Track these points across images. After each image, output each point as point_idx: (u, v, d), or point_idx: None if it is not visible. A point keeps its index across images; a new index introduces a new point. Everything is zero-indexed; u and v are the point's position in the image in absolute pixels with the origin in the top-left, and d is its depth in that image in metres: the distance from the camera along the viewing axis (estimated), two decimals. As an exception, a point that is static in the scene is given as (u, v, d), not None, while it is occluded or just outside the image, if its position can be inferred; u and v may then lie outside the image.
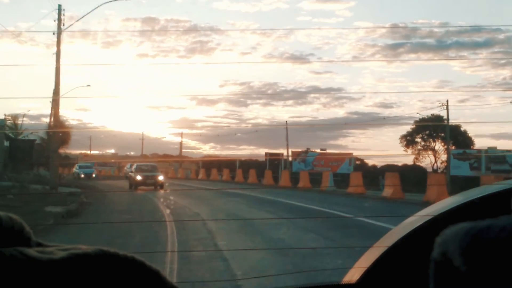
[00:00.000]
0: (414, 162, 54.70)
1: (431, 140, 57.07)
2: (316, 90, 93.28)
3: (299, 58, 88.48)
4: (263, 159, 54.04)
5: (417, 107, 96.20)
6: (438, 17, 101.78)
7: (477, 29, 64.92)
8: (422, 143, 57.21)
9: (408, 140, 57.25)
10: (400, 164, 50.32)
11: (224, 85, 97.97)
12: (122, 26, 75.67)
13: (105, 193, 21.20)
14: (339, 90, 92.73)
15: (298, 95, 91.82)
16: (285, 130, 54.06)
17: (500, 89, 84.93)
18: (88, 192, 19.74)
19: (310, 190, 32.46)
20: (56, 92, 21.07)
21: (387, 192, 24.50)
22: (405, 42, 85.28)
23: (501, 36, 74.31)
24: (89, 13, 29.89)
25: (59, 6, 23.61)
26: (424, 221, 1.47)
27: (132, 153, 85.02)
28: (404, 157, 64.56)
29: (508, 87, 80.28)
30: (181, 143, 75.07)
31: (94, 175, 51.28)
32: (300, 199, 21.66)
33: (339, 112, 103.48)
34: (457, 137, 53.16)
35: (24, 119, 39.40)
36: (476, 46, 76.85)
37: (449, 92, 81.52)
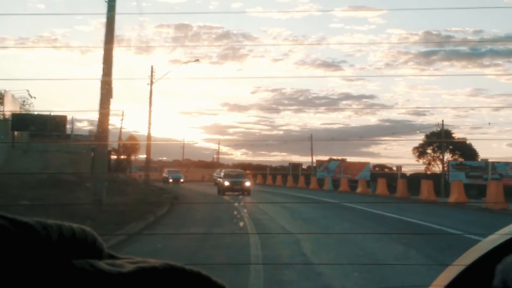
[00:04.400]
0: (425, 171, 62.10)
1: (439, 152, 64.26)
2: (348, 97, 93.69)
3: (331, 65, 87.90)
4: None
5: (451, 115, 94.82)
6: (472, 25, 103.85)
7: None
8: (432, 154, 64.47)
9: (420, 151, 64.69)
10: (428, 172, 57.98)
11: (256, 92, 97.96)
12: (155, 32, 76.63)
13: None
14: (371, 97, 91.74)
15: (330, 102, 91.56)
16: (316, 137, 62.28)
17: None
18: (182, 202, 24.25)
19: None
20: (148, 137, 29.88)
21: (423, 195, 31.42)
22: (439, 49, 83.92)
23: (536, 44, 76.46)
24: (167, 72, 36.40)
25: (152, 67, 31.68)
26: (504, 240, 1.40)
27: (164, 158, 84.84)
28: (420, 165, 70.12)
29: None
30: (218, 151, 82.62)
31: (181, 180, 52.96)
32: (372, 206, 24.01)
33: (371, 120, 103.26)
34: (464, 150, 60.60)
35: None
36: (511, 54, 76.16)
37: (483, 100, 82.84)
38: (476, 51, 78.02)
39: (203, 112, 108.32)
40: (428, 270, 7.53)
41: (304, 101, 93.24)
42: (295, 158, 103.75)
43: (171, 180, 50.76)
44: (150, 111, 29.93)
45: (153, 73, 30.36)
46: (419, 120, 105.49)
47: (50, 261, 0.51)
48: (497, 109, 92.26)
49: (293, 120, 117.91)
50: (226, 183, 31.30)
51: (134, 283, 0.54)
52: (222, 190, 31.39)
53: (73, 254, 0.53)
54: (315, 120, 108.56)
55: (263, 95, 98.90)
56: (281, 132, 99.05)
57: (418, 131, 69.49)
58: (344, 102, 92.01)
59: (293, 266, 8.59)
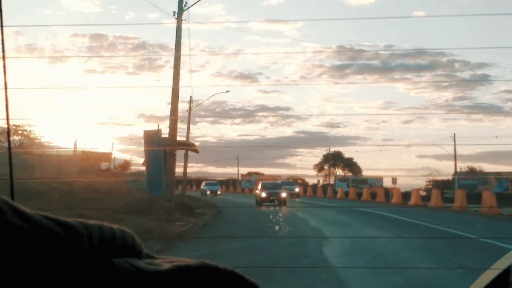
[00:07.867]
0: (323, 182, 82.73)
1: (333, 168, 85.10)
2: (264, 109, 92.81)
3: (247, 77, 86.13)
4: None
5: (363, 127, 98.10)
6: (383, 40, 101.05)
7: (421, 52, 66.08)
8: (327, 170, 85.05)
9: (319, 167, 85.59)
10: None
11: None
12: (69, 42, 73.22)
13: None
14: (286, 109, 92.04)
15: (246, 114, 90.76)
16: (234, 149, 72.80)
17: (443, 111, 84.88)
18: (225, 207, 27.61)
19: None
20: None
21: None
22: (352, 63, 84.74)
23: (444, 60, 78.07)
24: (205, 100, 42.32)
25: (191, 97, 38.62)
26: None
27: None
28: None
29: (450, 109, 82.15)
30: (168, 160, 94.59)
31: (219, 192, 54.72)
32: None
33: (287, 131, 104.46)
34: (351, 166, 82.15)
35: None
36: (420, 68, 78.48)
37: (394, 113, 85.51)
38: (387, 65, 79.29)
39: (118, 123, 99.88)
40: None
41: (220, 112, 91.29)
42: (212, 170, 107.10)
43: (208, 192, 53.03)
44: (188, 127, 39.36)
45: (192, 102, 38.25)
46: (333, 132, 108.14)
47: (92, 260, 0.54)
48: (407, 121, 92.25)
49: (209, 132, 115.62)
50: (263, 195, 32.52)
51: (170, 281, 0.57)
52: (259, 201, 32.65)
53: (113, 254, 0.56)
54: (231, 131, 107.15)
55: (179, 106, 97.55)
56: (197, 143, 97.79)
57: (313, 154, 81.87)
58: (260, 113, 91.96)
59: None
